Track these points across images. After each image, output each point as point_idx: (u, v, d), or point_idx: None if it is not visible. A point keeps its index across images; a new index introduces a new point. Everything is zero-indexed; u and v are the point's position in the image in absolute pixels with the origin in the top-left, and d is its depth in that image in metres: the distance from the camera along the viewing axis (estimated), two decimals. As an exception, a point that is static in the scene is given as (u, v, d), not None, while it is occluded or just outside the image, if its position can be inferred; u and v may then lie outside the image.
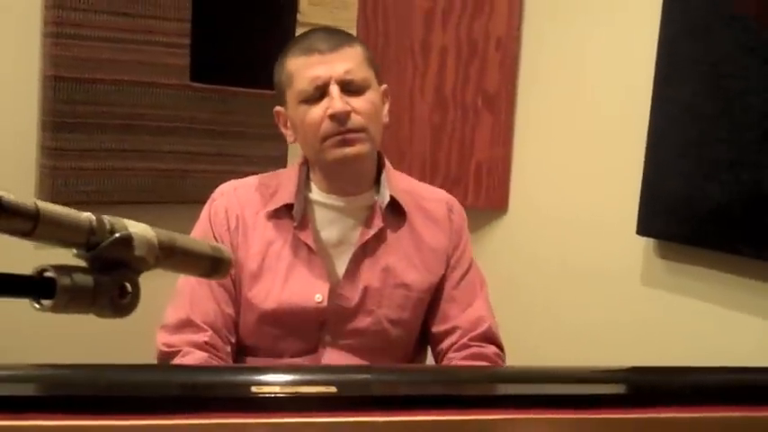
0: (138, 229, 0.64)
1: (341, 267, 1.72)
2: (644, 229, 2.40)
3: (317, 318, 1.69)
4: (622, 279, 2.52)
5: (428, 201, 1.81)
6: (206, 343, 1.64)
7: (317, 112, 1.63)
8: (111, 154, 2.49)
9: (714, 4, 2.19)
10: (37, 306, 0.57)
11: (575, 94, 2.69)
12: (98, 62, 2.43)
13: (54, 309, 0.57)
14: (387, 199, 1.71)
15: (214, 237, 1.71)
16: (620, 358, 2.48)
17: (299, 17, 2.76)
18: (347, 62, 1.64)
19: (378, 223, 1.71)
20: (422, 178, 2.82)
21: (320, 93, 1.63)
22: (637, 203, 2.40)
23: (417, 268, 1.75)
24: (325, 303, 1.68)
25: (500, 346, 1.80)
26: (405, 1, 2.87)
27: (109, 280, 0.60)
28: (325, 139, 1.63)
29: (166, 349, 1.65)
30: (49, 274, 0.58)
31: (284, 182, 1.75)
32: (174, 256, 0.67)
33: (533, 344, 2.73)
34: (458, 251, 1.80)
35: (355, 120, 1.63)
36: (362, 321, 1.71)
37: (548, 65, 2.78)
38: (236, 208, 1.73)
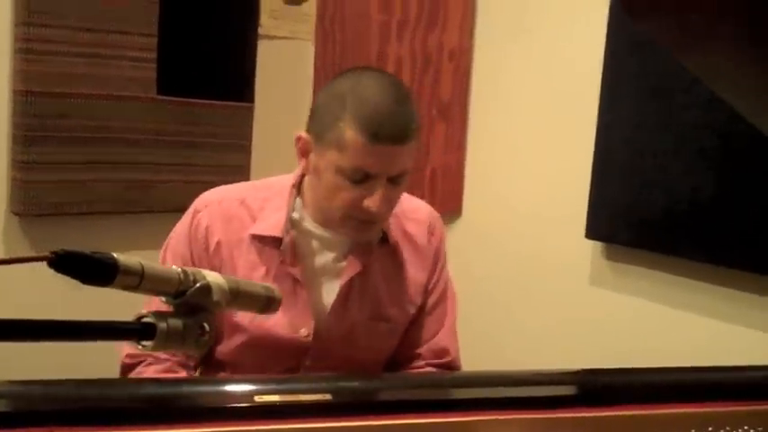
0: (212, 277, 0.75)
1: (327, 299, 1.66)
2: (592, 232, 2.52)
3: (301, 348, 1.65)
4: (571, 279, 2.64)
5: (411, 222, 1.74)
6: (171, 355, 1.59)
7: (353, 194, 1.51)
8: (81, 166, 2.55)
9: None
10: (140, 347, 0.68)
11: (525, 104, 2.81)
12: (67, 77, 2.50)
13: (153, 348, 0.68)
14: (379, 237, 1.67)
15: (191, 254, 1.64)
16: (570, 353, 2.62)
17: (260, 30, 2.86)
18: (407, 159, 1.52)
19: (366, 259, 1.66)
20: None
21: (366, 177, 1.50)
22: (585, 209, 2.52)
23: (400, 301, 1.71)
24: (310, 338, 1.64)
25: (450, 364, 1.79)
26: (361, 14, 2.97)
27: (193, 322, 0.71)
28: (347, 216, 1.56)
29: (129, 361, 1.61)
30: (148, 319, 0.69)
31: (272, 202, 1.64)
32: (239, 298, 0.78)
33: (487, 341, 2.86)
34: (434, 277, 1.77)
35: (386, 214, 1.59)
36: (344, 351, 1.67)
37: (499, 76, 2.89)
38: (218, 228, 1.62)
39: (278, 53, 2.98)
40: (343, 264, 1.66)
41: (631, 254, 2.47)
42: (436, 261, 1.77)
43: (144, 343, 0.69)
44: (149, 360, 1.59)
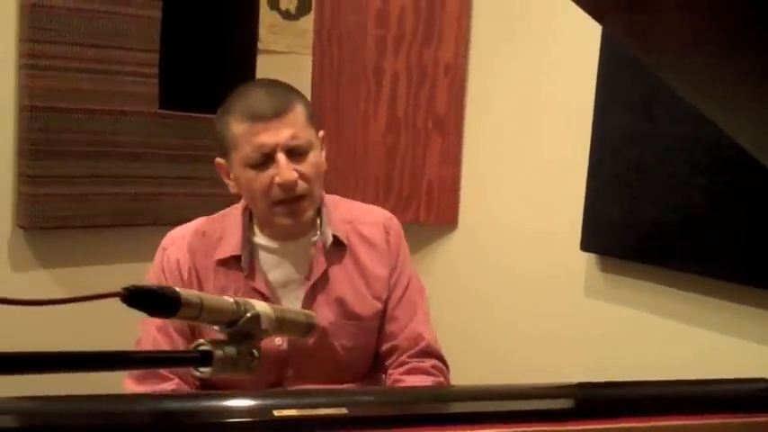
0: (260, 307, 0.80)
1: (294, 307, 1.72)
2: (587, 245, 2.58)
3: (280, 358, 1.74)
4: (567, 291, 2.69)
5: (366, 225, 1.85)
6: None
7: (264, 178, 1.66)
8: (85, 180, 2.59)
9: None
10: (198, 373, 0.73)
11: (520, 118, 2.86)
12: (71, 92, 2.53)
13: (211, 374, 0.73)
14: (329, 239, 1.78)
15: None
16: (565, 364, 2.67)
17: (260, 45, 2.91)
18: (291, 128, 1.66)
19: (323, 262, 1.77)
20: (376, 197, 3.01)
21: (266, 158, 1.66)
22: (580, 221, 2.57)
23: (365, 297, 1.81)
24: (285, 346, 1.74)
25: (440, 358, 1.87)
26: (358, 29, 3.02)
27: (244, 348, 0.76)
28: (274, 204, 1.68)
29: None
30: (205, 348, 0.74)
31: (228, 229, 1.78)
32: (284, 326, 0.83)
33: (483, 352, 2.91)
34: (396, 271, 1.86)
35: (302, 186, 1.68)
36: (322, 355, 1.76)
37: (494, 90, 2.94)
38: (188, 259, 1.76)
39: (277, 67, 3.02)
40: (302, 271, 1.78)
41: (626, 266, 2.53)
42: (396, 256, 1.87)
43: (202, 369, 0.74)
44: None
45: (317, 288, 1.77)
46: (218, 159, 1.77)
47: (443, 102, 3.01)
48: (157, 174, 2.72)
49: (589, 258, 2.63)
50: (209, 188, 2.79)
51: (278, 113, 1.65)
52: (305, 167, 1.68)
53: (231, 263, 1.74)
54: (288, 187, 1.66)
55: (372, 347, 1.87)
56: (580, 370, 2.58)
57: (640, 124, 2.42)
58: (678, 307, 2.41)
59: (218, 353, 0.74)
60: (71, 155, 2.56)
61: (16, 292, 2.58)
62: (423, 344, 1.85)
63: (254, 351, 0.78)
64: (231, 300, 0.81)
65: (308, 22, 3.07)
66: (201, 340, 0.77)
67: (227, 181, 1.78)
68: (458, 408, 1.41)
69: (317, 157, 1.72)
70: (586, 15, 0.99)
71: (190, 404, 1.37)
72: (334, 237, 1.78)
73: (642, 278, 2.50)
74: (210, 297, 0.78)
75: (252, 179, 1.67)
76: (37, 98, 2.49)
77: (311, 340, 1.73)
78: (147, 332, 1.74)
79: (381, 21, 3.00)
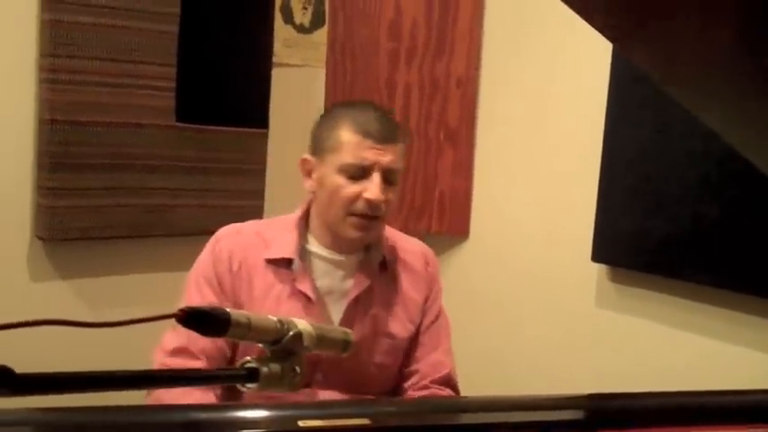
0: (302, 325, 0.84)
1: (335, 316, 1.83)
2: (598, 256, 2.61)
3: (311, 361, 1.72)
4: (578, 301, 2.72)
5: (408, 252, 1.94)
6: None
7: (353, 189, 1.74)
8: (103, 192, 2.63)
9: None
10: (244, 389, 0.77)
11: (531, 130, 2.90)
12: (90, 105, 2.57)
13: (257, 390, 0.77)
14: (379, 259, 1.86)
15: (216, 275, 1.80)
16: (576, 373, 2.70)
17: (275, 58, 2.94)
18: (394, 155, 1.76)
19: (370, 279, 1.85)
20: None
21: (362, 172, 1.74)
22: (591, 232, 2.60)
23: (400, 318, 1.88)
24: (317, 358, 1.76)
25: (456, 390, 1.93)
26: (371, 42, 3.06)
27: (288, 365, 0.80)
28: (351, 214, 1.76)
29: (162, 368, 1.73)
30: (251, 365, 0.78)
31: (283, 232, 1.84)
32: (323, 343, 0.87)
33: (494, 361, 2.94)
34: (430, 300, 1.94)
35: (382, 209, 1.77)
36: (352, 366, 1.79)
37: (505, 102, 2.98)
38: (239, 252, 1.81)
39: (291, 80, 3.06)
40: (349, 284, 1.85)
41: (636, 277, 2.56)
42: (432, 285, 1.96)
43: (249, 385, 0.78)
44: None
45: (359, 302, 1.84)
46: (307, 156, 1.84)
47: (455, 114, 3.04)
48: (173, 186, 2.76)
49: (600, 269, 2.67)
50: (224, 200, 2.84)
51: (387, 139, 1.75)
52: (389, 195, 1.77)
53: (281, 264, 1.81)
54: (374, 205, 1.74)
55: (397, 368, 1.92)
56: (591, 379, 2.61)
57: (651, 137, 2.45)
58: (689, 317, 2.44)
59: (264, 370, 0.78)
60: (89, 167, 2.59)
61: (35, 303, 2.65)
62: (444, 372, 1.91)
63: (297, 368, 0.81)
64: (275, 319, 0.85)
65: (321, 35, 3.11)
66: (248, 357, 0.81)
67: (305, 179, 1.85)
68: (477, 419, 1.44)
69: (397, 191, 1.83)
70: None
71: (216, 415, 1.42)
72: (382, 258, 1.87)
73: (653, 289, 2.53)
74: (257, 317, 0.82)
75: (341, 186, 1.75)
76: (57, 112, 2.52)
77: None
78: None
79: (394, 34, 3.03)
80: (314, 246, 1.85)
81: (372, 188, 1.73)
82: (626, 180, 2.52)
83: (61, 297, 2.65)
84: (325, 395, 1.81)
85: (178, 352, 1.75)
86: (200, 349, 1.75)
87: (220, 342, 1.78)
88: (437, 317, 1.95)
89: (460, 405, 1.58)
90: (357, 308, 1.84)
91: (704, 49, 0.88)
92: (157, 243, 2.79)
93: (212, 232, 2.80)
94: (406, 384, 1.92)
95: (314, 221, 1.86)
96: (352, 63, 3.11)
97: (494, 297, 2.98)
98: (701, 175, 2.34)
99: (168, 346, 1.77)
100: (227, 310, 0.79)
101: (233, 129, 2.85)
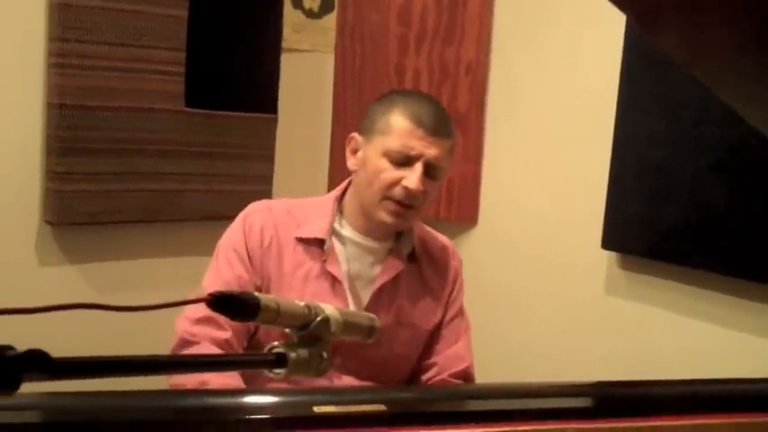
0: (329, 311, 0.83)
1: (360, 301, 1.82)
2: (608, 243, 2.60)
3: (333, 345, 1.80)
4: (587, 288, 2.71)
5: (434, 246, 1.94)
6: (226, 341, 1.72)
7: (394, 175, 1.73)
8: (112, 176, 2.62)
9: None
10: (272, 375, 0.76)
11: (541, 117, 2.88)
12: (99, 90, 2.56)
13: (285, 376, 0.77)
14: (408, 249, 1.86)
15: (246, 249, 1.79)
16: (584, 360, 2.69)
17: (284, 44, 2.93)
18: (441, 150, 1.74)
19: (396, 268, 1.84)
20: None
21: (406, 160, 1.72)
22: (601, 219, 2.59)
23: (423, 310, 1.88)
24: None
25: (467, 377, 1.93)
26: (380, 27, 3.05)
27: (315, 351, 0.80)
28: (387, 198, 1.74)
29: (188, 337, 1.72)
30: (279, 350, 0.77)
31: (316, 213, 1.83)
32: (348, 328, 0.86)
33: (503, 348, 2.94)
34: (453, 294, 1.94)
35: (419, 200, 1.75)
36: (372, 353, 1.78)
37: (515, 89, 2.97)
38: (271, 228, 1.80)
39: (300, 66, 3.05)
40: (377, 270, 1.84)
41: (646, 264, 2.56)
42: (455, 279, 1.96)
43: (276, 371, 0.77)
44: (203, 344, 1.71)
45: (384, 290, 1.83)
46: (355, 134, 1.83)
47: (465, 100, 3.03)
48: (182, 171, 2.75)
49: (610, 256, 2.66)
50: (232, 185, 2.84)
51: (438, 132, 1.74)
52: (429, 187, 1.76)
53: (312, 243, 1.80)
54: (411, 195, 1.73)
55: (416, 359, 1.92)
56: (599, 365, 2.61)
57: (663, 124, 2.44)
58: (698, 305, 2.44)
59: (292, 355, 0.77)
60: (98, 152, 2.59)
61: (43, 288, 2.65)
62: (463, 366, 1.91)
63: (324, 353, 0.81)
64: (302, 304, 0.85)
65: (330, 20, 3.10)
66: (275, 343, 0.80)
67: (349, 155, 1.83)
68: (492, 405, 1.44)
69: (438, 186, 1.82)
70: (609, 14, 1.01)
71: (232, 399, 1.41)
72: (412, 248, 1.87)
73: (663, 276, 2.52)
74: (285, 302, 0.81)
75: (382, 169, 1.74)
76: (66, 96, 2.52)
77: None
78: (213, 282, 1.78)
79: (403, 19, 3.02)
80: (346, 229, 1.84)
81: (412, 177, 1.71)
82: (637, 167, 2.51)
83: (70, 282, 2.65)
84: (342, 381, 1.81)
85: (204, 321, 1.73)
86: (226, 319, 1.71)
87: None
88: (459, 312, 1.95)
89: (475, 392, 1.58)
90: (382, 296, 1.84)
91: (733, 28, 0.87)
92: (166, 228, 2.79)
93: (220, 217, 2.80)
94: (424, 377, 1.91)
95: (349, 204, 1.86)
96: (362, 48, 3.09)
97: (502, 283, 2.97)
98: (712, 163, 2.33)
99: (194, 314, 1.74)
100: (257, 294, 0.78)
101: (242, 114, 2.85)
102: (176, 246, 2.79)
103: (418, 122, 1.72)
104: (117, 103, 2.60)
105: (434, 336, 1.92)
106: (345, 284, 1.81)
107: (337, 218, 1.85)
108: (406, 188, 1.72)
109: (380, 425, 1.30)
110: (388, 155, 1.73)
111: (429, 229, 1.99)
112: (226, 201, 2.82)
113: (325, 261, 1.80)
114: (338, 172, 3.13)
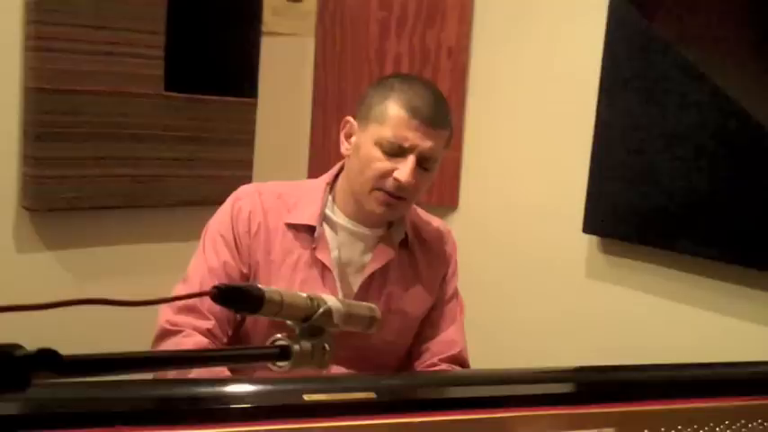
0: (331, 302, 0.82)
1: (350, 288, 1.80)
2: (589, 226, 2.62)
3: None
4: (568, 272, 2.73)
5: (428, 231, 1.92)
6: (208, 330, 1.69)
7: (386, 165, 1.68)
8: (91, 162, 2.59)
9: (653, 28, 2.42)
10: (275, 368, 0.75)
11: (522, 101, 2.88)
12: (77, 74, 2.52)
13: (289, 368, 0.76)
14: (400, 237, 1.83)
15: (233, 235, 1.76)
16: (566, 345, 2.71)
17: (263, 27, 2.91)
18: (436, 142, 1.69)
19: (387, 255, 1.81)
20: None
21: (399, 151, 1.67)
22: (582, 203, 2.61)
23: (415, 297, 1.86)
24: None
25: (462, 363, 1.91)
26: (361, 11, 3.03)
27: (317, 342, 0.79)
28: (378, 189, 1.70)
29: (169, 327, 1.69)
30: (282, 342, 0.76)
31: (306, 197, 1.80)
32: (350, 320, 0.85)
33: (484, 334, 2.93)
34: (446, 279, 1.92)
35: (410, 192, 1.71)
36: (362, 341, 1.73)
37: (496, 73, 2.96)
38: (259, 213, 1.77)
39: (279, 49, 3.03)
40: (368, 257, 1.81)
41: (627, 248, 2.57)
42: (448, 264, 1.94)
43: (280, 364, 0.76)
44: (187, 332, 1.68)
45: (375, 278, 1.81)
46: (350, 119, 1.78)
47: (446, 84, 3.01)
48: (162, 155, 2.72)
49: (590, 240, 2.67)
50: (212, 170, 2.82)
51: (435, 124, 1.68)
52: (422, 178, 1.71)
53: (302, 230, 1.77)
54: (402, 187, 1.68)
55: (406, 347, 1.91)
56: (580, 350, 2.63)
57: (645, 111, 2.45)
58: (679, 288, 2.45)
59: (296, 348, 0.77)
60: (77, 137, 2.55)
61: (21, 275, 2.62)
62: (456, 350, 1.90)
63: (326, 345, 0.80)
64: (305, 295, 0.84)
65: (311, 3, 3.08)
66: (278, 335, 0.80)
67: (343, 139, 1.79)
68: (482, 392, 1.44)
69: (432, 177, 1.76)
70: None
71: (222, 388, 1.40)
72: (404, 236, 1.84)
73: (643, 260, 2.54)
74: (288, 294, 0.80)
75: (374, 158, 1.69)
76: (43, 80, 2.47)
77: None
78: (197, 270, 1.75)
79: (384, 3, 3.00)
80: (337, 215, 1.81)
81: (404, 170, 1.66)
82: (618, 151, 2.52)
83: (48, 268, 2.62)
84: (332, 370, 1.78)
85: (186, 310, 1.70)
86: (208, 308, 1.70)
87: None
88: (451, 297, 1.94)
89: (465, 378, 1.58)
90: (372, 283, 1.81)
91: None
92: (146, 214, 2.76)
93: (201, 203, 2.81)
94: (417, 362, 1.90)
95: (340, 189, 1.82)
96: (342, 32, 3.07)
97: (482, 268, 2.96)
98: (696, 146, 2.34)
99: (176, 303, 1.70)
100: (261, 287, 0.77)
101: (222, 98, 2.82)
102: (156, 231, 2.77)
103: (414, 112, 1.66)
104: (96, 86, 2.56)
105: (427, 320, 1.90)
106: (335, 272, 1.78)
107: (329, 203, 1.81)
108: (397, 180, 1.68)
109: (370, 413, 1.30)
110: (381, 144, 1.68)
111: (423, 213, 1.97)
112: (206, 186, 2.80)
113: (315, 248, 1.77)
114: (318, 156, 3.11)
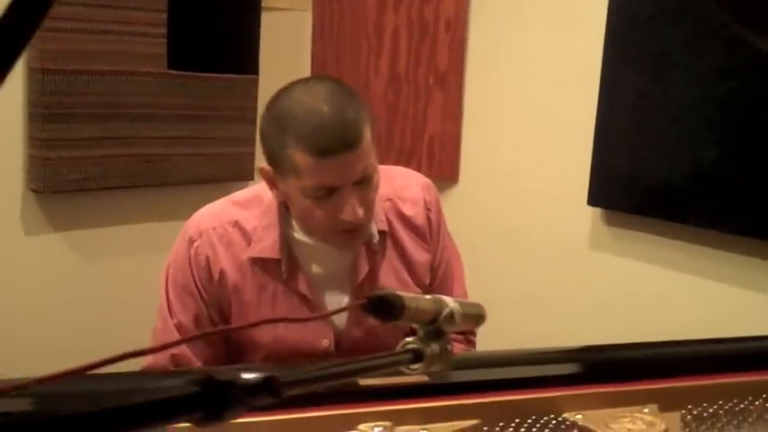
0: (451, 303, 0.85)
1: (336, 303, 1.67)
2: (593, 199, 2.63)
3: (325, 356, 1.66)
4: (572, 245, 2.75)
5: (406, 203, 1.75)
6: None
7: (325, 209, 1.51)
8: (96, 142, 2.57)
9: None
10: (408, 371, 0.78)
11: (522, 74, 2.88)
12: (81, 54, 2.50)
13: (421, 370, 0.78)
14: (376, 237, 1.67)
15: (195, 284, 1.63)
16: (570, 318, 2.74)
17: (263, 2, 2.89)
18: (362, 160, 1.48)
19: (368, 261, 1.68)
20: (377, 153, 3.04)
21: (330, 192, 1.49)
22: (587, 176, 2.62)
23: (409, 286, 1.73)
24: (332, 347, 1.66)
25: (472, 332, 1.86)
26: (358, -16, 3.02)
27: (443, 343, 0.81)
28: (330, 231, 1.56)
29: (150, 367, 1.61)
30: (414, 346, 0.79)
31: (263, 224, 1.63)
32: (467, 320, 0.88)
33: (487, 309, 2.97)
34: (438, 254, 1.80)
35: (365, 217, 1.54)
36: (367, 348, 1.67)
37: (495, 45, 2.95)
38: (219, 256, 1.62)
39: (278, 24, 3.02)
40: (345, 265, 1.68)
41: (631, 219, 2.59)
42: (437, 237, 1.79)
43: (413, 366, 0.79)
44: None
45: (364, 287, 1.67)
46: (264, 166, 1.57)
47: (444, 58, 3.02)
48: (167, 134, 2.71)
49: (594, 212, 2.69)
50: (216, 148, 2.82)
51: (350, 146, 1.45)
52: (368, 194, 1.54)
53: (268, 261, 1.62)
54: (354, 223, 1.53)
55: (408, 328, 1.88)
56: (585, 323, 2.66)
57: (649, 84, 2.46)
58: (684, 259, 2.48)
59: (428, 350, 0.79)
60: (82, 117, 2.53)
61: (29, 256, 2.62)
62: None
63: (448, 346, 0.83)
64: (429, 297, 0.86)
65: (308, -22, 3.07)
66: (409, 339, 0.82)
67: (271, 189, 1.61)
68: (526, 372, 1.47)
69: (377, 178, 1.56)
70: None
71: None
72: (380, 231, 1.69)
73: (648, 231, 2.56)
74: (418, 298, 0.82)
75: (310, 209, 1.52)
76: (47, 60, 2.45)
77: (359, 336, 1.71)
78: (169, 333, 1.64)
79: (382, -24, 3.00)
80: (300, 234, 1.64)
81: (348, 209, 1.49)
82: (623, 123, 2.53)
83: (55, 250, 2.61)
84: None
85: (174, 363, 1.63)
86: (196, 355, 1.64)
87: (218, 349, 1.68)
88: (447, 263, 1.83)
89: (508, 359, 1.61)
90: (363, 292, 1.65)
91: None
92: (152, 193, 2.76)
93: (205, 180, 2.80)
94: None
95: (296, 218, 1.65)
96: (340, 6, 3.07)
97: (484, 241, 2.98)
98: (701, 118, 2.36)
99: (161, 354, 1.60)
100: (400, 294, 0.79)
101: (224, 75, 2.81)
102: (162, 210, 2.77)
103: (323, 152, 1.43)
104: (99, 66, 2.54)
105: (434, 280, 1.81)
106: (317, 296, 1.66)
107: (288, 222, 1.64)
108: (347, 221, 1.51)
109: (424, 395, 1.33)
110: (308, 195, 1.50)
111: (396, 174, 1.79)
112: (210, 164, 2.80)
113: (287, 280, 1.63)
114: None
